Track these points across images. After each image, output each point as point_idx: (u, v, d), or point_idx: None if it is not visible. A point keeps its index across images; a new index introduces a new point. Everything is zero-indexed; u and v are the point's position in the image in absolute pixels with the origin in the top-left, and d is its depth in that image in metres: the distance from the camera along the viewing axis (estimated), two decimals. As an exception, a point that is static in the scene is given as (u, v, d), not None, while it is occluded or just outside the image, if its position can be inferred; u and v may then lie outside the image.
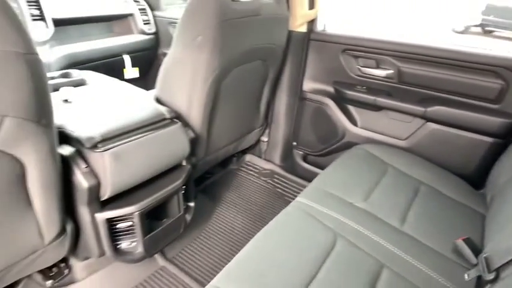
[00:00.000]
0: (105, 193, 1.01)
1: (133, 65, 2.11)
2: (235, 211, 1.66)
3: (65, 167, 0.97)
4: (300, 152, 1.90)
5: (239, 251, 1.41)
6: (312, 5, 1.60)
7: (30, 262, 0.97)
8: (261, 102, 1.71)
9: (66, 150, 0.99)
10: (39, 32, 1.69)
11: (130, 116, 1.13)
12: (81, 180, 0.97)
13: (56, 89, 1.22)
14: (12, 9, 0.70)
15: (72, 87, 1.25)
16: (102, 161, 0.98)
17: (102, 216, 1.04)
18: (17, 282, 1.15)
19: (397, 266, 0.94)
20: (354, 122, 1.70)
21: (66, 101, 1.19)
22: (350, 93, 1.61)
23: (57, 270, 1.17)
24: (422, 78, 1.47)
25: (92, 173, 0.98)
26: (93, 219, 1.04)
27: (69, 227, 1.02)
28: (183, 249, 1.41)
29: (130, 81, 1.57)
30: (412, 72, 1.48)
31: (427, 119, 1.48)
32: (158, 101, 1.33)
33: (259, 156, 2.02)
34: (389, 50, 1.49)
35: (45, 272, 1.15)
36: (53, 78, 1.35)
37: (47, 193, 0.89)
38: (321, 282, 0.84)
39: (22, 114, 0.72)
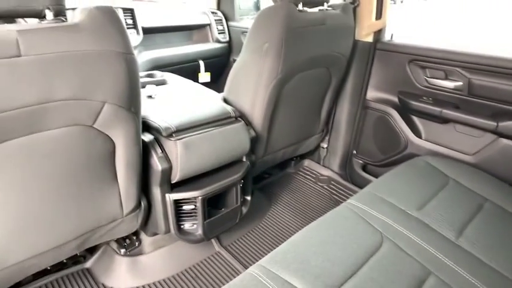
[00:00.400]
0: (175, 177, 1.16)
1: (206, 70, 2.31)
2: (290, 212, 1.72)
3: (145, 151, 1.13)
4: (360, 161, 1.91)
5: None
6: (379, 15, 1.62)
7: (110, 229, 1.15)
8: (322, 108, 1.77)
9: (147, 137, 1.16)
10: (131, 39, 1.96)
11: (200, 112, 1.27)
12: (157, 163, 1.12)
13: (142, 86, 1.42)
14: (118, 18, 0.87)
15: (155, 86, 1.45)
16: (175, 149, 1.13)
17: (171, 197, 1.19)
18: (97, 248, 1.35)
19: (446, 276, 0.93)
20: (417, 133, 1.67)
21: (150, 96, 1.38)
22: (415, 104, 1.60)
23: (129, 241, 1.35)
24: (494, 91, 1.41)
25: (166, 158, 1.14)
26: (164, 199, 1.19)
27: (143, 204, 1.18)
28: (237, 239, 1.52)
29: (203, 84, 1.74)
30: (483, 84, 1.43)
31: (499, 134, 1.41)
32: (225, 101, 1.47)
33: (318, 162, 2.07)
34: (460, 61, 1.46)
35: (120, 242, 1.34)
36: (140, 77, 1.57)
37: (129, 170, 1.06)
38: (361, 278, 0.88)
39: (118, 102, 0.89)
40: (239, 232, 1.54)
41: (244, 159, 1.43)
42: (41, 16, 0.79)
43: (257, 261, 1.41)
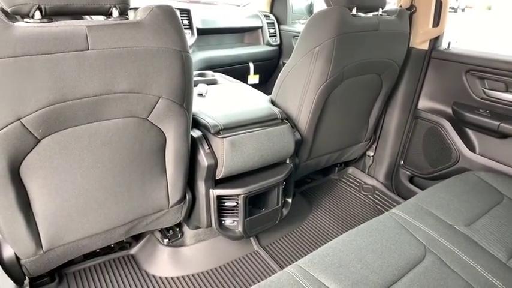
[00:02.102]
0: (220, 173, 1.20)
1: (256, 72, 2.35)
2: (331, 218, 1.71)
3: (193, 146, 1.18)
4: (407, 172, 1.85)
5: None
6: (437, 22, 1.57)
7: (156, 219, 1.21)
8: (370, 115, 1.74)
9: (196, 133, 1.21)
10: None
11: (248, 112, 1.30)
12: (204, 158, 1.17)
13: (194, 84, 1.49)
14: (177, 17, 0.92)
15: (206, 85, 1.51)
16: (222, 146, 1.17)
17: (214, 192, 1.23)
18: (142, 236, 1.43)
19: (495, 298, 0.88)
20: (471, 147, 1.58)
21: (200, 94, 1.45)
22: (471, 116, 1.52)
23: (172, 232, 1.41)
24: None
25: (212, 154, 1.18)
26: (207, 194, 1.24)
27: (188, 197, 1.24)
28: (276, 240, 1.53)
29: (252, 86, 1.78)
30: (550, 99, 1.33)
31: None
32: (273, 103, 1.50)
33: (363, 171, 2.02)
34: None
35: (164, 232, 1.41)
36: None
37: (178, 164, 1.12)
38: (402, 289, 0.85)
39: (172, 97, 0.94)
40: (278, 233, 1.55)
41: (287, 162, 1.44)
42: (108, 14, 0.86)
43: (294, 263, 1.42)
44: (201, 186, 1.23)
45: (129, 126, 0.95)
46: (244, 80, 2.31)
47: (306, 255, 1.45)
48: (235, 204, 1.28)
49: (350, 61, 1.35)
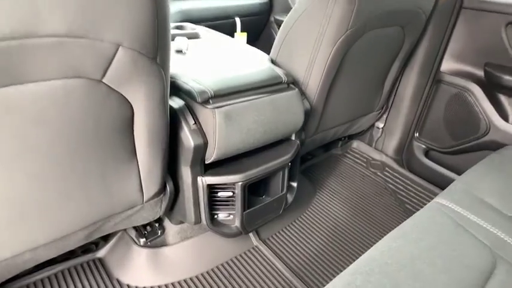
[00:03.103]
0: (211, 155, 0.90)
1: (242, 30, 2.00)
2: (338, 200, 1.45)
3: (172, 121, 0.87)
4: (422, 146, 1.60)
5: (339, 242, 1.23)
6: (475, -38, 1.27)
7: (126, 217, 0.91)
8: (386, 79, 1.45)
9: (176, 102, 0.89)
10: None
11: (245, 75, 0.99)
12: (188, 137, 0.86)
13: (171, 39, 1.14)
14: None
15: (186, 39, 1.16)
16: (212, 119, 0.86)
17: (204, 180, 0.94)
18: (112, 234, 1.13)
19: None
20: (504, 116, 1.34)
21: (180, 51, 1.11)
22: (508, 79, 1.26)
23: (150, 229, 1.12)
24: None
25: (200, 131, 0.87)
26: (195, 183, 0.94)
27: (168, 187, 0.94)
28: (278, 231, 1.26)
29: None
30: None
31: None
32: (273, 63, 1.18)
33: (369, 145, 1.77)
34: None
35: (140, 229, 1.11)
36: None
37: (153, 145, 0.80)
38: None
39: (138, 46, 0.62)
40: (280, 223, 1.28)
41: (293, 138, 1.15)
42: None
43: (301, 258, 1.18)
44: (185, 173, 0.93)
45: (74, 93, 0.62)
46: (231, 38, 1.95)
47: (313, 247, 1.21)
48: (231, 194, 0.99)
49: (376, 8, 1.05)
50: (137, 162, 0.83)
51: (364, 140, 1.79)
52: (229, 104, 0.89)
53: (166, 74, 0.72)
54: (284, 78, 1.04)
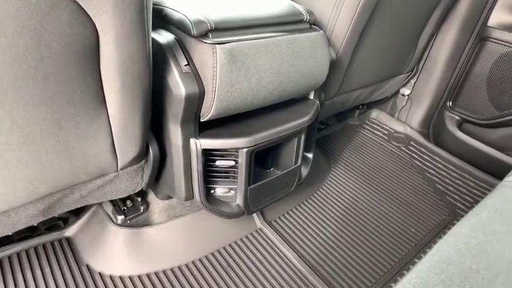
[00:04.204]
0: (208, 110, 0.67)
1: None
2: (357, 177, 1.24)
3: (157, 61, 0.63)
4: (456, 117, 1.37)
5: (358, 227, 1.03)
6: None
7: (96, 188, 0.70)
8: (421, 35, 1.21)
9: (163, 36, 0.66)
10: None
11: (256, 6, 0.75)
12: (178, 82, 0.63)
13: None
14: None
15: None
16: (212, 58, 0.62)
17: (198, 143, 0.71)
18: (84, 209, 0.91)
19: None
20: None
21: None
22: None
23: (131, 204, 0.90)
24: None
25: (194, 74, 0.64)
26: (186, 146, 0.71)
27: (152, 151, 0.71)
28: (286, 212, 1.05)
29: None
30: None
31: None
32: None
33: (391, 114, 1.54)
34: None
35: (117, 204, 0.90)
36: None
37: (128, 91, 0.57)
38: None
39: None
40: (289, 203, 1.07)
41: (311, 97, 0.92)
42: None
43: (314, 244, 0.98)
44: (174, 133, 0.70)
45: (7, 8, 0.38)
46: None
47: (328, 232, 1.00)
48: (233, 163, 0.77)
49: None
50: (107, 114, 0.60)
51: (385, 109, 1.55)
52: (235, 41, 0.65)
53: None
54: (305, 16, 0.79)
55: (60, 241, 0.88)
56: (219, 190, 0.81)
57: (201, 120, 0.70)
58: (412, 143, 1.43)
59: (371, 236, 1.02)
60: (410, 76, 1.37)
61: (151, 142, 0.72)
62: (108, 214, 0.89)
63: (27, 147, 0.54)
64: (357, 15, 0.86)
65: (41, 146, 0.56)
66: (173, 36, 0.66)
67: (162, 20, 0.69)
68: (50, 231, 0.89)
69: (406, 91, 1.44)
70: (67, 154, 0.60)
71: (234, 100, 0.67)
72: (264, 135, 0.75)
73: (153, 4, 0.69)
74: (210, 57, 0.62)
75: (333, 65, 0.91)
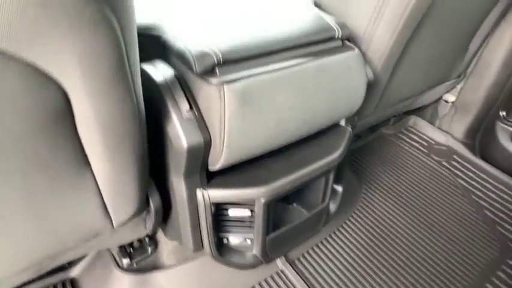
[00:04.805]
0: (217, 160, 0.55)
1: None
2: (390, 201, 1.09)
3: (154, 102, 0.52)
4: (510, 128, 1.18)
5: (393, 266, 0.89)
6: None
7: (93, 246, 0.61)
8: (473, 38, 1.02)
9: (160, 71, 0.54)
10: None
11: (276, 21, 0.61)
12: (178, 132, 0.51)
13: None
14: None
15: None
16: (219, 102, 0.50)
17: (206, 195, 0.60)
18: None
19: None
20: None
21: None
22: None
23: (138, 245, 0.81)
24: None
25: (198, 121, 0.52)
26: (192, 198, 0.60)
27: (153, 205, 0.61)
28: (312, 248, 0.93)
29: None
30: None
31: None
32: (319, 7, 0.78)
33: (431, 123, 1.36)
34: None
35: (123, 246, 0.81)
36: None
37: (115, 152, 0.46)
38: None
39: None
40: (315, 237, 0.94)
41: (342, 123, 0.78)
42: None
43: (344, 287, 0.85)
44: (178, 185, 0.59)
45: None
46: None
47: (361, 274, 0.86)
48: (248, 214, 0.65)
49: None
50: (93, 176, 0.49)
51: (424, 116, 1.38)
52: (248, 76, 0.52)
53: (124, 27, 0.36)
54: (338, 32, 0.65)
55: (63, 283, 0.81)
56: (233, 239, 0.71)
57: (210, 170, 0.58)
58: (455, 156, 1.26)
59: (407, 277, 0.88)
60: (457, 82, 1.19)
61: (152, 193, 0.61)
62: (113, 255, 0.81)
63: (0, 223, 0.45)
64: (401, 25, 0.70)
65: (16, 219, 0.46)
66: (172, 71, 0.54)
67: (161, 46, 0.56)
68: (53, 272, 0.82)
69: (450, 97, 1.26)
70: (50, 223, 0.50)
71: (248, 148, 0.55)
72: (285, 182, 0.63)
73: (150, 30, 0.57)
74: (216, 101, 0.50)
75: (370, 85, 0.76)
